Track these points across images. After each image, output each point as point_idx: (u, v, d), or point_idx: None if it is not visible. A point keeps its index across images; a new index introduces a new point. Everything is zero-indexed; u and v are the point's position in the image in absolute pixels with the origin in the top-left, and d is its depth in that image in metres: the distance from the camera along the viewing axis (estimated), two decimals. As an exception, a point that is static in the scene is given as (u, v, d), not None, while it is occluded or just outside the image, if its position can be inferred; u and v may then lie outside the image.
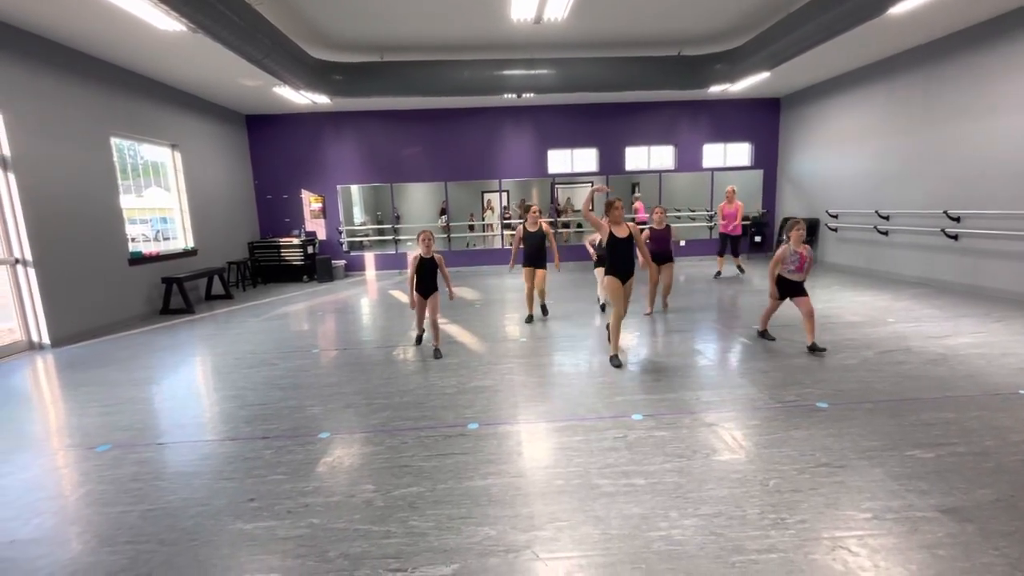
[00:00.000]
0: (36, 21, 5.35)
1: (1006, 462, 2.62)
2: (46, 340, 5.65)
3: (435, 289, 4.81)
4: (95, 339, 6.01)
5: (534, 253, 5.90)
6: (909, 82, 7.60)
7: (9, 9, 5.04)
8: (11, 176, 5.34)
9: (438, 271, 4.81)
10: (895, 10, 5.11)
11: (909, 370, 3.97)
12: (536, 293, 6.08)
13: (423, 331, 5.16)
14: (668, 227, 6.30)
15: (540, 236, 5.89)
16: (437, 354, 4.77)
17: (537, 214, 5.85)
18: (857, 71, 8.56)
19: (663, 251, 6.23)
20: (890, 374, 3.90)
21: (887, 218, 8.10)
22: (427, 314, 4.85)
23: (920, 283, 7.45)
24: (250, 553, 2.13)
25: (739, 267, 8.88)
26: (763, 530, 2.15)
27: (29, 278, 5.53)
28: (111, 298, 6.61)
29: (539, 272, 5.96)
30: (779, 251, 4.56)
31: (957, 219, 6.87)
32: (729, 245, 8.58)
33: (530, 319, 6.07)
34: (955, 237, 6.91)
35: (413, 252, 12.16)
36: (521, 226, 5.95)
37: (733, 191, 8.45)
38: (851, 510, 2.26)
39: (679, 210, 13.29)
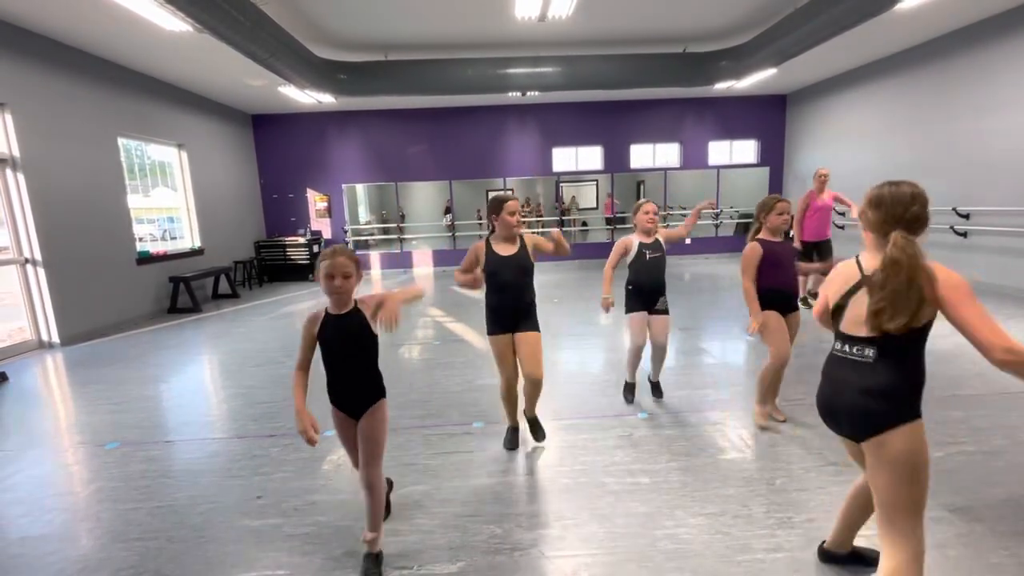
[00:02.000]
0: (45, 23, 5.39)
1: (1016, 461, 2.59)
2: (56, 339, 5.70)
3: (374, 397, 2.05)
4: (104, 338, 6.06)
5: (514, 303, 2.72)
6: (917, 78, 7.52)
7: (18, 11, 5.08)
8: (20, 176, 5.39)
9: (375, 346, 2.01)
10: (902, 6, 5.07)
11: (917, 368, 3.94)
12: (523, 386, 2.83)
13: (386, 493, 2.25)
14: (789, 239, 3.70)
15: (524, 266, 2.69)
16: (372, 564, 1.95)
17: (517, 220, 2.65)
18: (864, 67, 8.48)
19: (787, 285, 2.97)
20: (898, 372, 3.87)
21: (895, 215, 8.03)
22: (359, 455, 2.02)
23: (928, 281, 7.38)
24: (258, 550, 2.15)
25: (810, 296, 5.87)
26: (770, 529, 2.14)
27: (39, 277, 5.57)
28: (119, 297, 6.66)
29: (527, 339, 2.74)
30: None
31: (967, 216, 6.80)
32: (817, 255, 5.74)
33: (514, 438, 2.95)
34: (964, 234, 6.85)
35: (419, 251, 12.22)
36: (480, 245, 2.72)
37: (826, 176, 5.71)
38: (859, 509, 2.25)
39: (683, 207, 13.24)
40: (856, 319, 1.51)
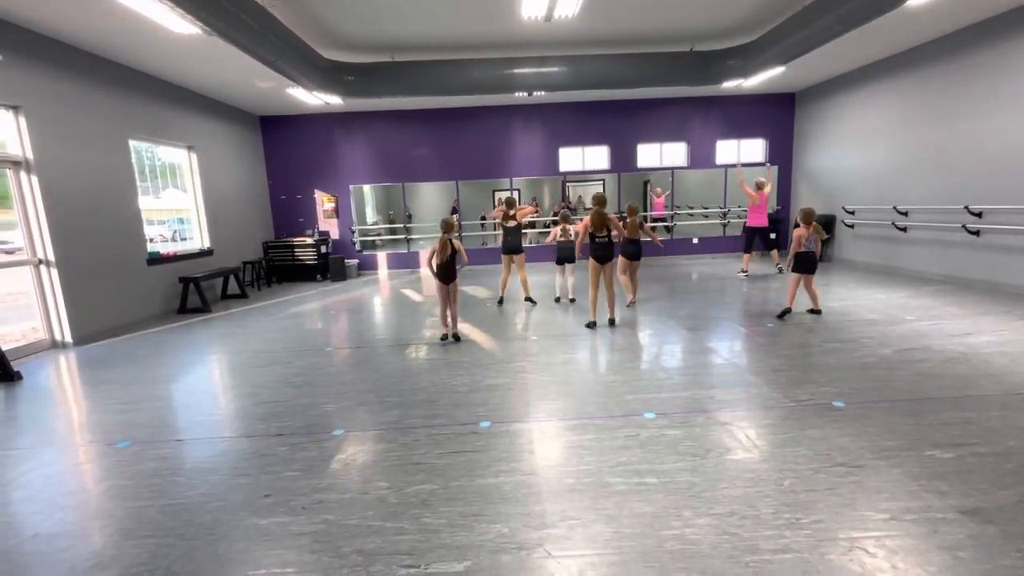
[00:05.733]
0: (57, 27, 5.47)
1: (1029, 463, 2.56)
2: (68, 339, 5.78)
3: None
4: (115, 338, 6.14)
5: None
6: (929, 75, 7.43)
7: (31, 16, 5.16)
8: (34, 178, 5.47)
9: None
10: (913, 2, 5.01)
11: (928, 368, 3.90)
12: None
13: None
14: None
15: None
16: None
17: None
18: (875, 64, 8.39)
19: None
20: (909, 372, 3.83)
21: (905, 214, 7.95)
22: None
23: (939, 280, 7.30)
24: (266, 548, 2.17)
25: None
26: (778, 530, 2.13)
27: (52, 278, 5.66)
28: (130, 298, 6.74)
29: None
30: None
31: (979, 214, 6.72)
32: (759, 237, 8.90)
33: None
34: (976, 233, 6.76)
35: (426, 251, 12.28)
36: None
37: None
38: (868, 510, 2.23)
39: (692, 207, 13.18)
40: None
